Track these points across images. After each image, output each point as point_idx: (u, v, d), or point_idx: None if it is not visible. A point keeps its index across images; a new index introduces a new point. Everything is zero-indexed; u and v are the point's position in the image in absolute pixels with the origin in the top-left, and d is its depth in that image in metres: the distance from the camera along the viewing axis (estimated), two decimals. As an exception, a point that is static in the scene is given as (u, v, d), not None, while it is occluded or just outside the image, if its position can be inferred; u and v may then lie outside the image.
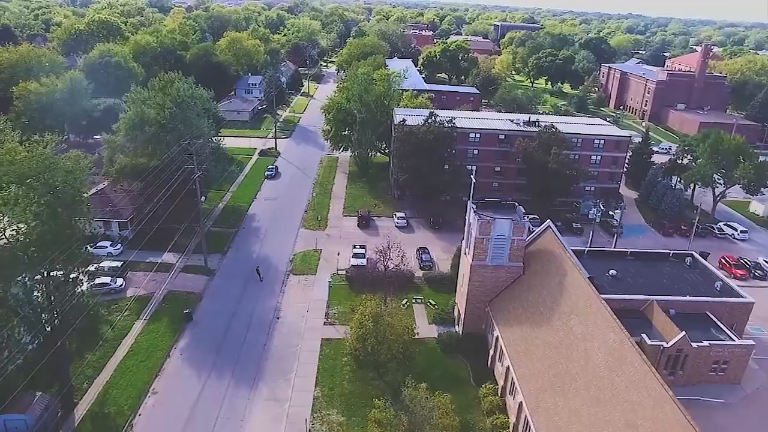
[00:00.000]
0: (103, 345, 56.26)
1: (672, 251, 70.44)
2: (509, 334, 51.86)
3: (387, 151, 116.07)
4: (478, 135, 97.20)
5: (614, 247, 76.41)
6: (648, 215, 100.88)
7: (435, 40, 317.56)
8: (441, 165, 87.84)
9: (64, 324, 49.15)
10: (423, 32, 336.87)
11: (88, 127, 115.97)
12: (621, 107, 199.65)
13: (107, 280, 66.49)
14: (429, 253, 78.47)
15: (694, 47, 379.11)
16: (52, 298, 49.17)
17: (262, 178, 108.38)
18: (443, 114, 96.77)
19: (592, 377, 40.79)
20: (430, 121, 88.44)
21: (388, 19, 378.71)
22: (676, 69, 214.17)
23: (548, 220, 60.16)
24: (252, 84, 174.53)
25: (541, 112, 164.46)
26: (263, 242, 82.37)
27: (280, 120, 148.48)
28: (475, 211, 55.25)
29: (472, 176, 60.29)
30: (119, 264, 69.64)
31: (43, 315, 48.69)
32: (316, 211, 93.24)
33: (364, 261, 74.44)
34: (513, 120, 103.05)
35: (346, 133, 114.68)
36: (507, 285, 56.94)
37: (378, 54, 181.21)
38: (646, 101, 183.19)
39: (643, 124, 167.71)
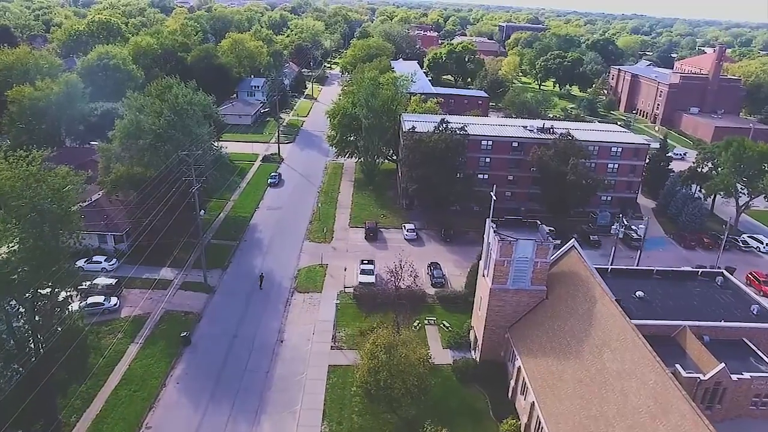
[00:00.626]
0: (94, 373, 52.21)
1: (700, 269, 66.20)
2: (533, 365, 47.77)
3: (394, 157, 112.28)
4: (490, 142, 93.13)
5: (637, 264, 72.22)
6: (667, 226, 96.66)
7: (440, 42, 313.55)
8: (453, 175, 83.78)
9: (51, 353, 45.34)
10: (427, 33, 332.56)
11: (86, 132, 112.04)
12: (633, 110, 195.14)
13: (101, 299, 62.53)
14: (441, 269, 74.36)
15: (702, 48, 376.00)
16: (38, 324, 45.31)
17: (264, 186, 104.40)
18: (453, 120, 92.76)
19: (633, 424, 36.66)
20: (441, 128, 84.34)
21: (391, 20, 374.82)
22: (687, 71, 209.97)
23: (573, 239, 56.02)
24: (254, 86, 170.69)
25: (551, 116, 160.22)
26: (266, 256, 78.36)
27: (284, 124, 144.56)
28: (495, 231, 51.17)
29: (492, 193, 56.06)
30: (113, 282, 65.59)
31: (27, 344, 44.85)
32: (322, 222, 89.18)
33: (372, 278, 70.41)
34: (526, 126, 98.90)
35: (351, 138, 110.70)
36: (529, 310, 52.88)
37: (383, 56, 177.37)
38: (658, 105, 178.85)
39: (656, 128, 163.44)
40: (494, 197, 55.35)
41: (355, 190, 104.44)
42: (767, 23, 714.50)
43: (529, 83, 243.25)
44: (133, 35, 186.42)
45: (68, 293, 49.67)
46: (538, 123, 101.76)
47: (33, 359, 44.62)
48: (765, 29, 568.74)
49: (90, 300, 61.89)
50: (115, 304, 62.98)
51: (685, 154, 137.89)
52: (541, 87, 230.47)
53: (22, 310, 45.14)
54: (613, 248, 72.29)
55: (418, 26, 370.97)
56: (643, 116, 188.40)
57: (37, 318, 45.43)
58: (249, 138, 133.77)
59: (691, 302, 59.06)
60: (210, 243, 79.87)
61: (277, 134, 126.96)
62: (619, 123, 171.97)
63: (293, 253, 79.60)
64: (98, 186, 76.60)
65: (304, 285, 71.04)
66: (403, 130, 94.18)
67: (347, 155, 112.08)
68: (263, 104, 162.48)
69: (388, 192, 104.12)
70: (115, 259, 71.83)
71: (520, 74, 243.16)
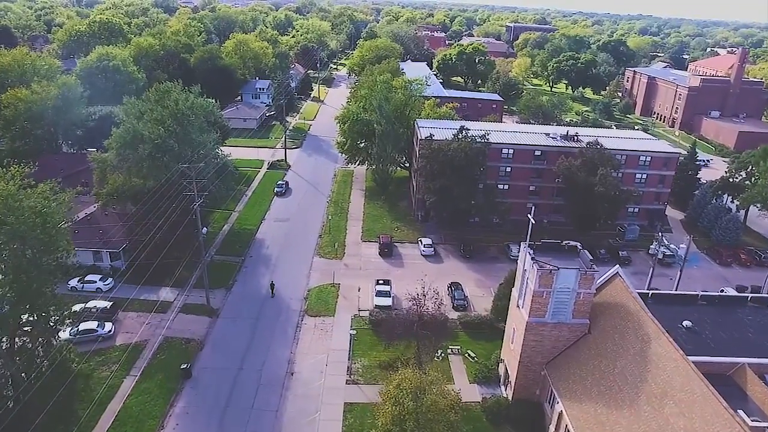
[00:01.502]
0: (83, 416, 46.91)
1: (750, 294, 60.45)
2: (577, 411, 42.17)
3: (407, 165, 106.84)
4: (511, 151, 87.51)
5: (677, 287, 66.52)
6: (698, 241, 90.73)
7: (447, 42, 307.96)
8: (473, 186, 78.23)
9: (33, 399, 40.15)
10: (435, 34, 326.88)
11: (84, 138, 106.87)
12: (650, 114, 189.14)
13: (94, 325, 57.16)
14: (462, 290, 68.82)
15: (715, 50, 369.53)
16: (17, 367, 40.10)
17: (271, 195, 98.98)
18: (472, 126, 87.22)
19: (711, 498, 31.11)
20: (461, 136, 78.81)
21: (397, 20, 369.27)
22: (704, 73, 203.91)
23: (617, 265, 50.35)
24: (260, 89, 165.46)
25: (568, 120, 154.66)
26: (273, 274, 72.87)
27: (290, 128, 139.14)
28: (533, 259, 45.61)
29: (530, 216, 50.37)
30: (108, 305, 60.16)
31: (4, 391, 39.64)
32: (332, 236, 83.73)
33: (389, 300, 64.95)
34: (549, 134, 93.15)
35: (362, 145, 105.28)
36: (569, 345, 47.31)
37: (392, 57, 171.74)
38: (677, 108, 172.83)
39: (676, 133, 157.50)
40: (532, 220, 49.53)
41: (367, 200, 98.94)
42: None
43: (540, 85, 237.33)
44: (135, 36, 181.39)
45: (55, 323, 44.53)
46: (561, 130, 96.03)
47: (10, 405, 39.36)
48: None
49: (82, 326, 56.58)
50: (110, 331, 57.64)
51: (709, 161, 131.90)
52: (553, 89, 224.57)
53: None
54: (651, 270, 66.47)
55: (425, 27, 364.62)
56: (660, 120, 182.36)
57: (17, 359, 40.25)
58: (254, 143, 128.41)
59: (745, 334, 53.26)
60: (213, 259, 74.58)
61: (283, 139, 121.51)
62: (636, 127, 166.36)
63: (302, 270, 74.15)
64: (94, 198, 71.16)
65: (315, 307, 65.54)
66: (419, 137, 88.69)
67: (358, 162, 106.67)
68: (269, 107, 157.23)
69: (401, 202, 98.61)
70: (110, 278, 66.55)
71: (531, 76, 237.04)
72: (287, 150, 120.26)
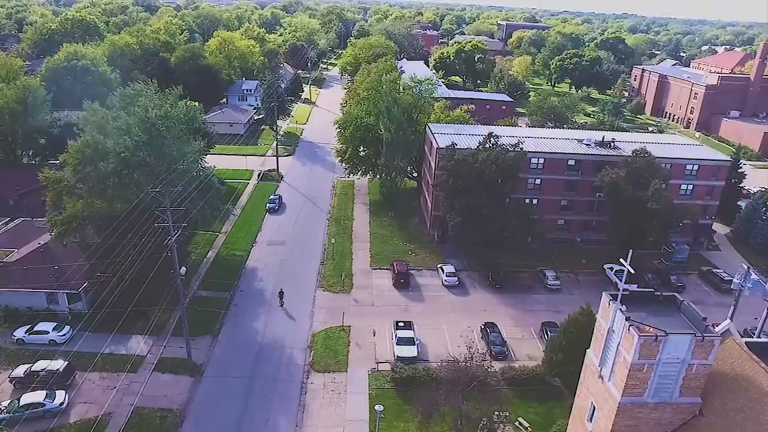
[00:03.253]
0: None
1: None
2: None
3: (414, 174, 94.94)
4: (542, 160, 75.87)
5: (763, 325, 54.97)
6: (752, 259, 79.80)
7: (440, 41, 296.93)
8: (504, 204, 66.49)
9: None
10: (428, 32, 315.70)
11: (47, 147, 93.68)
12: (663, 114, 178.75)
13: (41, 397, 44.37)
14: (499, 332, 56.87)
15: (713, 47, 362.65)
16: None
17: (262, 212, 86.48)
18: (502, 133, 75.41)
19: None
20: (489, 144, 66.96)
21: (386, 19, 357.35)
22: (711, 72, 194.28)
23: (728, 319, 38.69)
24: (247, 90, 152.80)
25: (582, 122, 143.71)
26: (269, 314, 60.52)
27: (281, 133, 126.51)
28: (627, 319, 33.73)
29: (624, 261, 37.14)
30: (62, 366, 47.34)
31: None
32: (337, 263, 71.47)
33: (413, 350, 52.85)
34: (582, 140, 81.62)
35: (365, 154, 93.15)
36: (672, 430, 35.54)
37: (389, 55, 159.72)
38: (692, 108, 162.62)
39: (696, 135, 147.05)
40: (629, 268, 36.59)
41: (372, 217, 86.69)
42: (759, 22, 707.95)
43: (541, 84, 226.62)
44: (113, 34, 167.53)
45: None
46: (595, 135, 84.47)
47: None
48: (758, 28, 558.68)
49: (25, 399, 43.83)
50: (62, 403, 44.79)
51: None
52: (555, 89, 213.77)
53: None
54: (732, 309, 54.65)
55: (420, 25, 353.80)
56: (674, 121, 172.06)
57: None
58: (242, 150, 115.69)
59: None
60: (196, 296, 61.97)
61: (275, 147, 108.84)
62: (650, 129, 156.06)
63: (304, 308, 61.78)
64: (47, 225, 58.13)
65: (323, 360, 53.14)
66: (434, 144, 76.77)
67: (360, 173, 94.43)
68: (257, 110, 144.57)
69: (412, 218, 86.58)
70: (68, 327, 53.71)
71: (532, 75, 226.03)
72: (279, 158, 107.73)
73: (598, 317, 37.76)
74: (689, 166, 78.46)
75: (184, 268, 54.64)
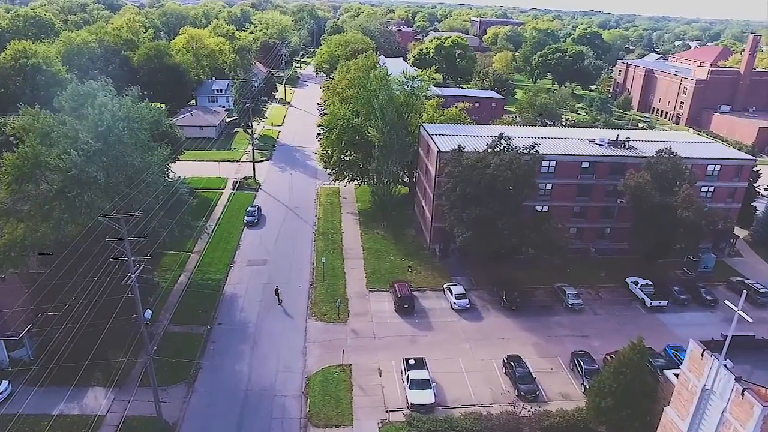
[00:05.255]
0: None
1: None
2: None
3: (406, 179, 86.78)
4: (553, 163, 68.22)
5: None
6: (777, 266, 73.90)
7: (416, 37, 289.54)
8: (519, 214, 58.58)
9: None
10: (403, 29, 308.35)
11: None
12: (651, 110, 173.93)
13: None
14: (526, 366, 48.78)
15: (687, 42, 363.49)
16: None
17: (240, 227, 77.12)
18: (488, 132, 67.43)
19: None
20: (500, 147, 58.93)
21: (358, 16, 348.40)
22: (703, 66, 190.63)
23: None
24: (217, 90, 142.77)
25: (574, 119, 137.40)
26: (254, 352, 51.42)
27: (257, 136, 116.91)
28: (738, 380, 25.92)
29: (730, 304, 29.61)
30: (-4, 438, 37.90)
31: None
32: (328, 284, 62.63)
33: (430, 395, 44.44)
34: (594, 140, 74.36)
35: (352, 158, 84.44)
36: None
37: (369, 51, 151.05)
38: (682, 103, 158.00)
39: (690, 131, 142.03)
40: (740, 313, 28.82)
41: (364, 229, 78.06)
42: (720, 19, 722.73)
43: (522, 80, 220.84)
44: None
45: None
46: (607, 134, 77.33)
47: None
48: (720, 25, 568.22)
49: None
50: (-5, 490, 35.31)
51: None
52: (536, 85, 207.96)
53: None
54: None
55: (396, 22, 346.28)
56: (662, 116, 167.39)
57: None
58: (214, 156, 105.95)
59: None
60: (167, 333, 52.44)
61: (251, 150, 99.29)
62: (641, 125, 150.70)
63: (295, 344, 52.81)
64: (-18, 256, 48.02)
65: (322, 411, 44.25)
66: (432, 147, 68.58)
67: (347, 180, 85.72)
68: (229, 111, 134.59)
69: (407, 230, 78.20)
70: (6, 382, 43.82)
71: (513, 71, 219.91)
72: (255, 164, 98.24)
73: (682, 370, 29.96)
74: (711, 167, 71.80)
75: (149, 311, 45.37)
